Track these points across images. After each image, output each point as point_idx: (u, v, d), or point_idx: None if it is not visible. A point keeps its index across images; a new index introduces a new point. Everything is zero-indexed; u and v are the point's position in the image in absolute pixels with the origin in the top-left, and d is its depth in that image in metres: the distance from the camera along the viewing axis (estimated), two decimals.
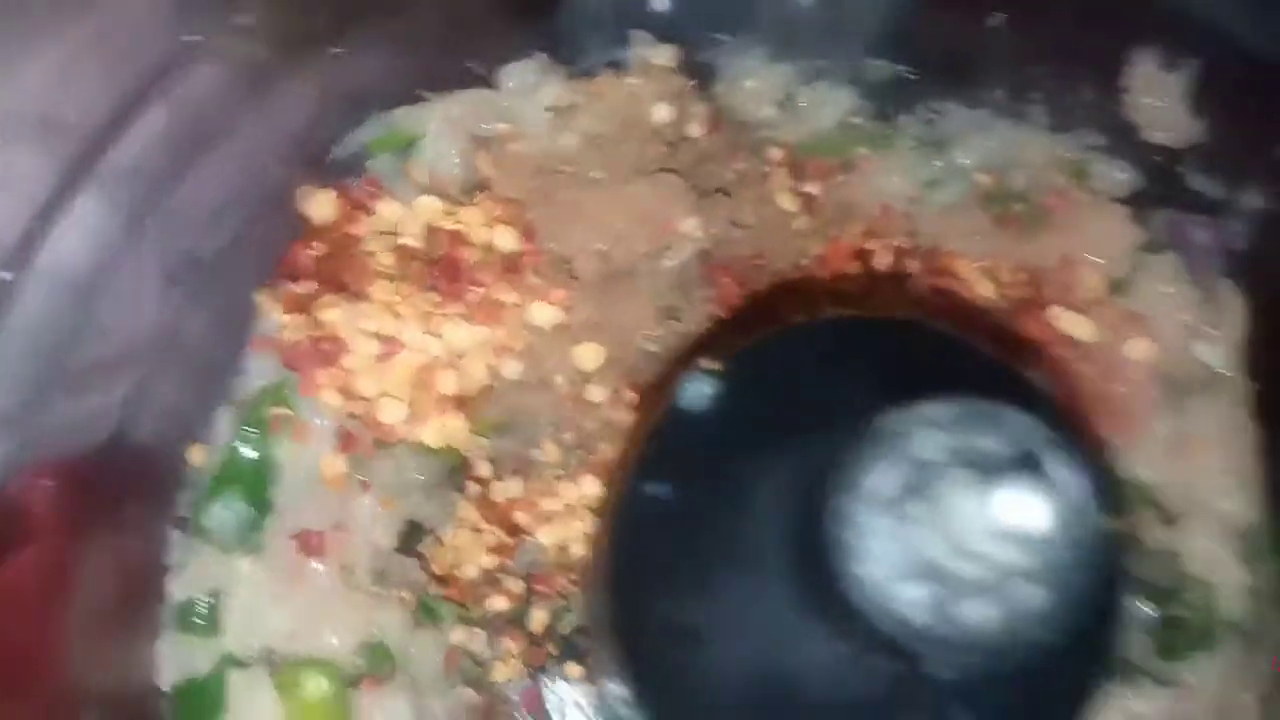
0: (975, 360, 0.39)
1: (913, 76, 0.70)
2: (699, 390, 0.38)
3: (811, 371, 0.38)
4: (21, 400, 0.49)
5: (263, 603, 0.57)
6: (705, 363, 0.39)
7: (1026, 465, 0.27)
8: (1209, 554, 0.61)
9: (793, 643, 0.33)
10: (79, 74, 0.50)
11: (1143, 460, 0.63)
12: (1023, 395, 0.37)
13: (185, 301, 0.59)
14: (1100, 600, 0.35)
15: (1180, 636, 0.59)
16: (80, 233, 0.50)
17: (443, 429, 0.56)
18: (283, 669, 0.54)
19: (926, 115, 0.71)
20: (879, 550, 0.28)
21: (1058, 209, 0.64)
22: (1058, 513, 0.27)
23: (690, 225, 0.57)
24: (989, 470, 0.28)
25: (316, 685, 0.53)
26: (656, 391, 0.54)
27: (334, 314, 0.54)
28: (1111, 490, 0.29)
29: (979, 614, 0.28)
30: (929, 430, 0.29)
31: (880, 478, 0.29)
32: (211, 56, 0.54)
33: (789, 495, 0.34)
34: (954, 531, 0.28)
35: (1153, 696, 0.58)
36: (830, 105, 0.72)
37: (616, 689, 0.39)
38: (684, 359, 0.59)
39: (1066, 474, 0.27)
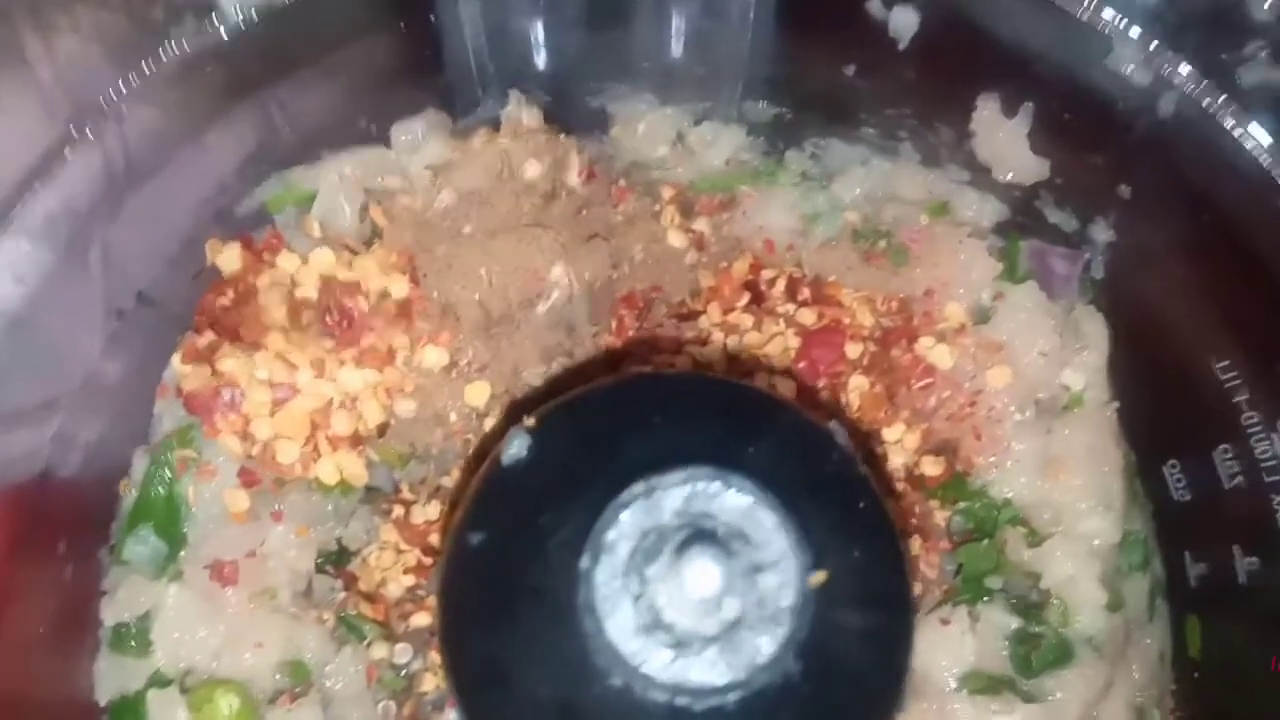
0: (764, 409, 0.43)
1: (790, 116, 0.74)
2: (515, 446, 0.43)
3: (614, 426, 0.43)
4: None
5: (189, 624, 0.62)
6: (524, 420, 0.44)
7: (742, 526, 0.32)
8: (1067, 574, 0.65)
9: (582, 679, 0.38)
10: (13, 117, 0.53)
11: (1010, 482, 0.67)
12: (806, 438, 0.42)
13: (109, 345, 0.63)
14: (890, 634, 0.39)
15: (1038, 651, 0.64)
16: (9, 273, 0.54)
17: (337, 466, 0.61)
18: (197, 688, 0.59)
19: (811, 150, 0.76)
20: (621, 608, 0.33)
21: (916, 245, 0.68)
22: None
23: (557, 273, 0.61)
24: (708, 534, 0.33)
25: (228, 704, 0.58)
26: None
27: (231, 364, 0.59)
28: (817, 545, 0.33)
29: (702, 659, 0.33)
30: (664, 498, 0.34)
31: (625, 542, 0.33)
32: (130, 112, 0.58)
33: (575, 542, 0.39)
34: (682, 590, 0.32)
35: (1021, 712, 0.62)
36: (720, 144, 0.76)
37: (450, 715, 0.44)
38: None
39: (777, 535, 0.32)
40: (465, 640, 0.42)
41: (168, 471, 0.60)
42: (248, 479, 0.60)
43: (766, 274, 0.73)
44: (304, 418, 0.60)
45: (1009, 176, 0.67)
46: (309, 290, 0.63)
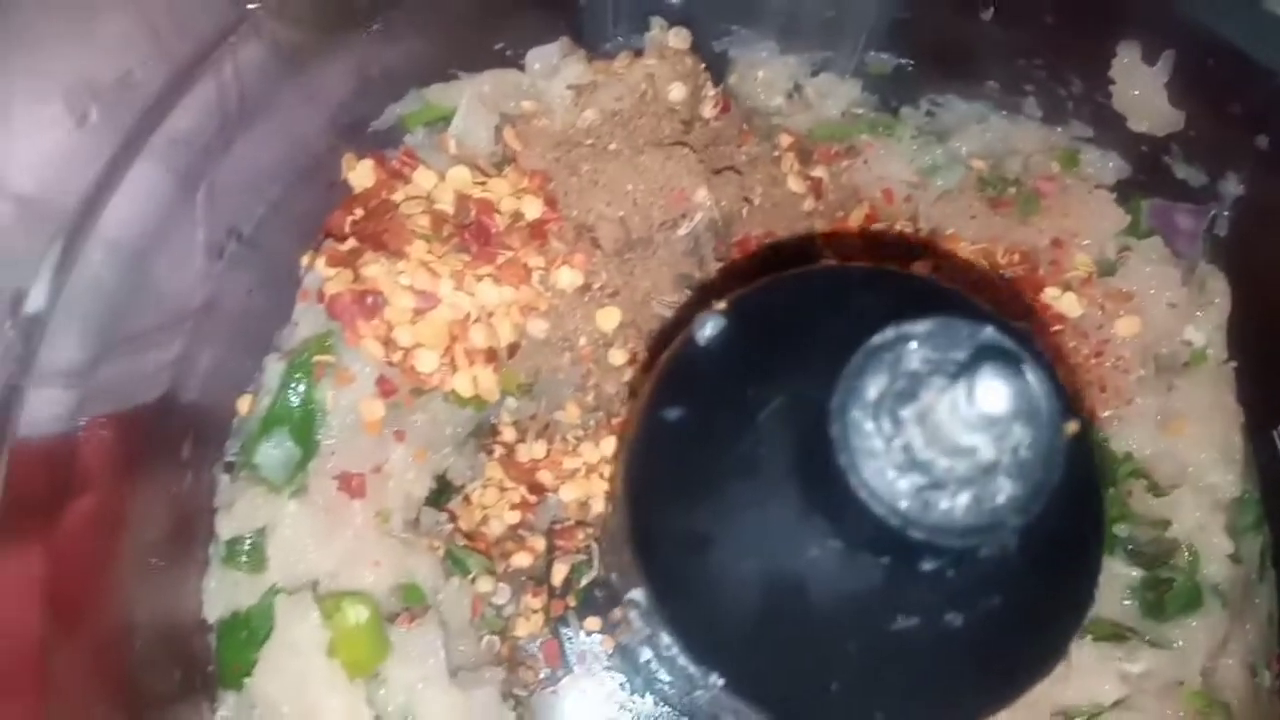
0: (957, 304, 0.43)
1: (912, 69, 0.74)
2: (710, 326, 0.42)
3: (809, 310, 0.42)
4: (83, 358, 0.53)
5: (305, 541, 0.61)
6: (716, 304, 0.44)
7: (996, 369, 0.32)
8: (1196, 523, 0.65)
9: (793, 543, 0.37)
10: (135, 48, 0.53)
11: (1133, 434, 0.67)
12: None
13: (233, 265, 0.63)
14: (1075, 509, 0.39)
15: (1167, 597, 0.63)
16: (136, 198, 0.53)
17: (474, 380, 0.61)
18: (324, 599, 0.58)
19: (927, 107, 0.76)
20: (872, 445, 0.33)
21: (1049, 193, 0.68)
22: (1023, 408, 0.31)
23: (702, 195, 0.61)
24: (964, 376, 0.32)
25: (357, 613, 0.57)
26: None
27: (375, 269, 0.58)
28: (1067, 400, 0.33)
29: (958, 502, 0.32)
30: (912, 344, 0.34)
31: (874, 386, 0.33)
32: (257, 34, 0.58)
33: (789, 412, 0.39)
34: (936, 429, 0.32)
35: (1144, 658, 0.62)
36: (835, 96, 0.76)
37: (637, 595, 0.43)
38: None
39: (1009, 383, 0.31)
40: (660, 516, 0.41)
41: (305, 377, 0.59)
42: (385, 388, 0.60)
43: (878, 227, 0.74)
44: (444, 328, 0.59)
45: (1144, 127, 0.67)
46: (445, 205, 0.63)
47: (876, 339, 0.34)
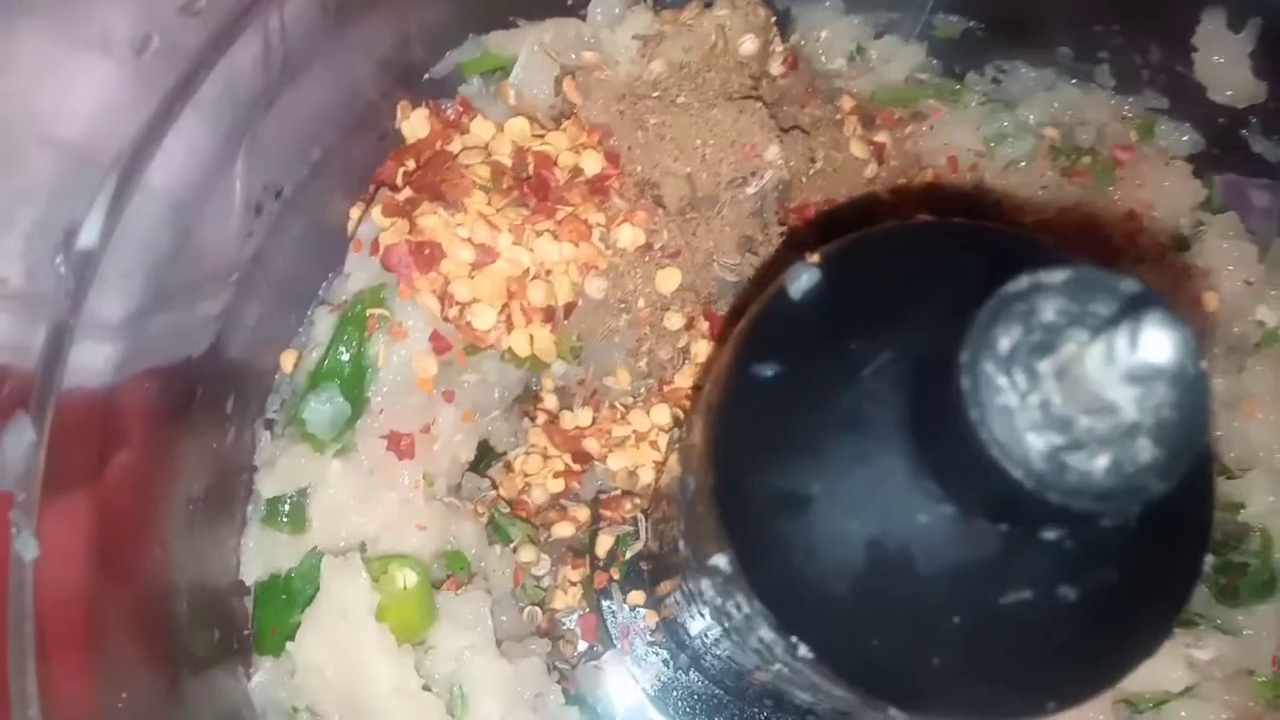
0: (1055, 256, 0.41)
1: (981, 33, 0.72)
2: (804, 279, 0.40)
3: (908, 264, 0.40)
4: (129, 312, 0.51)
5: (349, 502, 0.59)
6: (808, 256, 0.41)
7: (1138, 324, 0.29)
8: (1269, 507, 0.63)
9: (900, 506, 0.35)
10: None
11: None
12: None
13: (279, 218, 0.61)
14: (1199, 478, 0.37)
15: (1241, 582, 0.61)
16: (181, 151, 0.51)
17: (530, 339, 0.58)
18: (373, 561, 0.56)
19: (993, 74, 0.73)
20: (1005, 401, 0.30)
21: (1126, 162, 0.66)
22: (1175, 340, 0.29)
23: (773, 153, 0.59)
24: (1106, 330, 0.30)
25: (406, 577, 0.55)
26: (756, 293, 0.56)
27: (433, 220, 0.56)
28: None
29: (1097, 463, 0.30)
30: (1048, 295, 0.31)
31: (1006, 337, 0.31)
32: None
33: (898, 368, 0.36)
34: (1078, 385, 0.30)
35: (1213, 645, 0.60)
36: (899, 60, 0.74)
37: (719, 562, 0.41)
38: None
39: (1174, 331, 0.29)
40: (753, 477, 0.39)
41: (357, 331, 0.57)
42: (439, 345, 0.57)
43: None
44: (502, 283, 0.57)
45: (1224, 98, 0.64)
46: (503, 157, 0.61)
47: (1009, 287, 0.32)
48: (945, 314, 0.35)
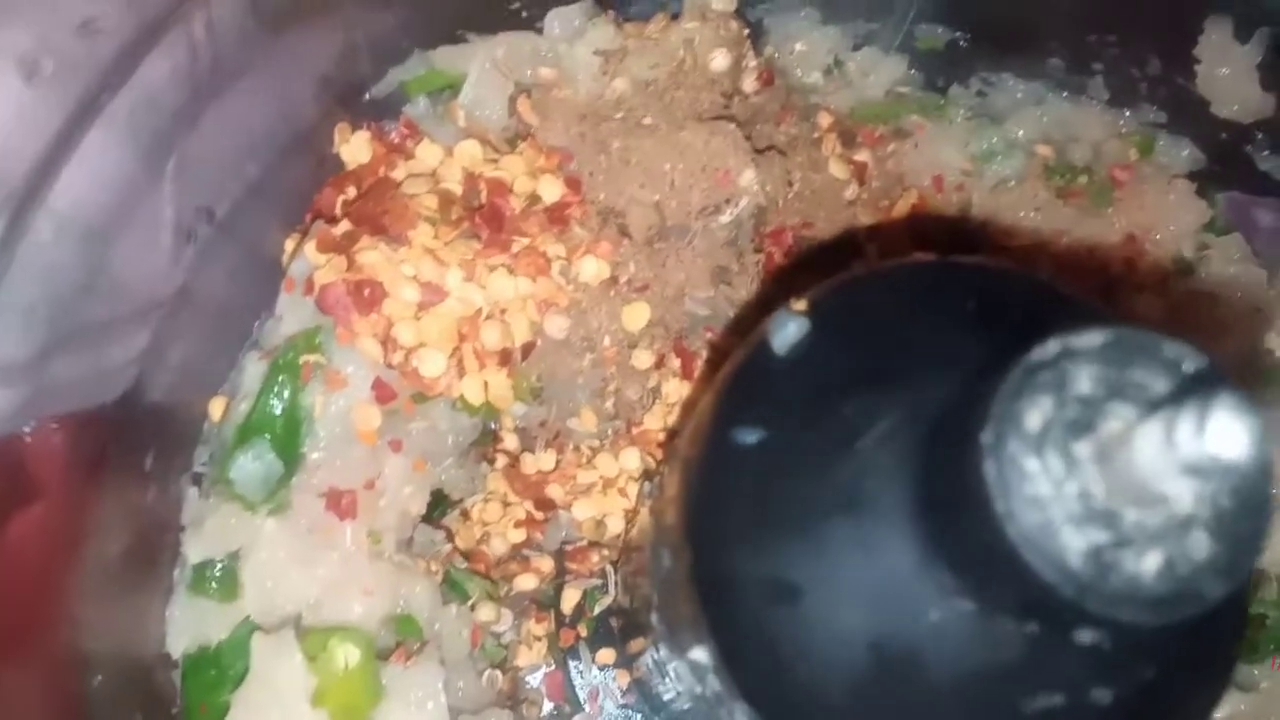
0: (1071, 303, 0.37)
1: (966, 44, 0.67)
2: (789, 331, 0.35)
3: (905, 312, 0.35)
4: (33, 350, 0.45)
5: (285, 566, 0.53)
6: (793, 304, 0.36)
7: (1192, 397, 0.25)
8: None
9: (908, 599, 0.30)
10: (80, 19, 0.46)
11: None
12: None
13: (207, 249, 0.55)
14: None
15: (1260, 635, 0.57)
16: (92, 171, 0.46)
17: (484, 385, 0.53)
18: (310, 635, 0.50)
19: (978, 87, 0.69)
20: (1037, 492, 0.26)
21: (1125, 182, 0.62)
22: (1250, 431, 0.24)
23: (749, 178, 0.54)
24: (1155, 404, 0.26)
25: (347, 653, 0.49)
26: (732, 341, 0.51)
27: (373, 256, 0.51)
28: None
29: (1147, 564, 0.25)
30: (1082, 361, 0.27)
31: (1036, 413, 0.26)
32: None
33: (902, 438, 0.31)
34: (1126, 472, 0.25)
35: (1229, 701, 0.55)
36: (879, 74, 0.69)
37: (699, 656, 0.35)
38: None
39: (1246, 419, 0.24)
40: (735, 560, 0.34)
41: (290, 379, 0.51)
42: (382, 393, 0.52)
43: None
44: (452, 325, 0.52)
45: (1229, 112, 0.60)
46: (453, 185, 0.55)
47: (1037, 354, 0.27)
48: (956, 375, 0.31)
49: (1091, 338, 0.27)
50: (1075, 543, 0.26)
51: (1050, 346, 0.27)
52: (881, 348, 0.35)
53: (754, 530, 0.34)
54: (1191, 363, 0.26)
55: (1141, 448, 0.25)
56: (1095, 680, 0.30)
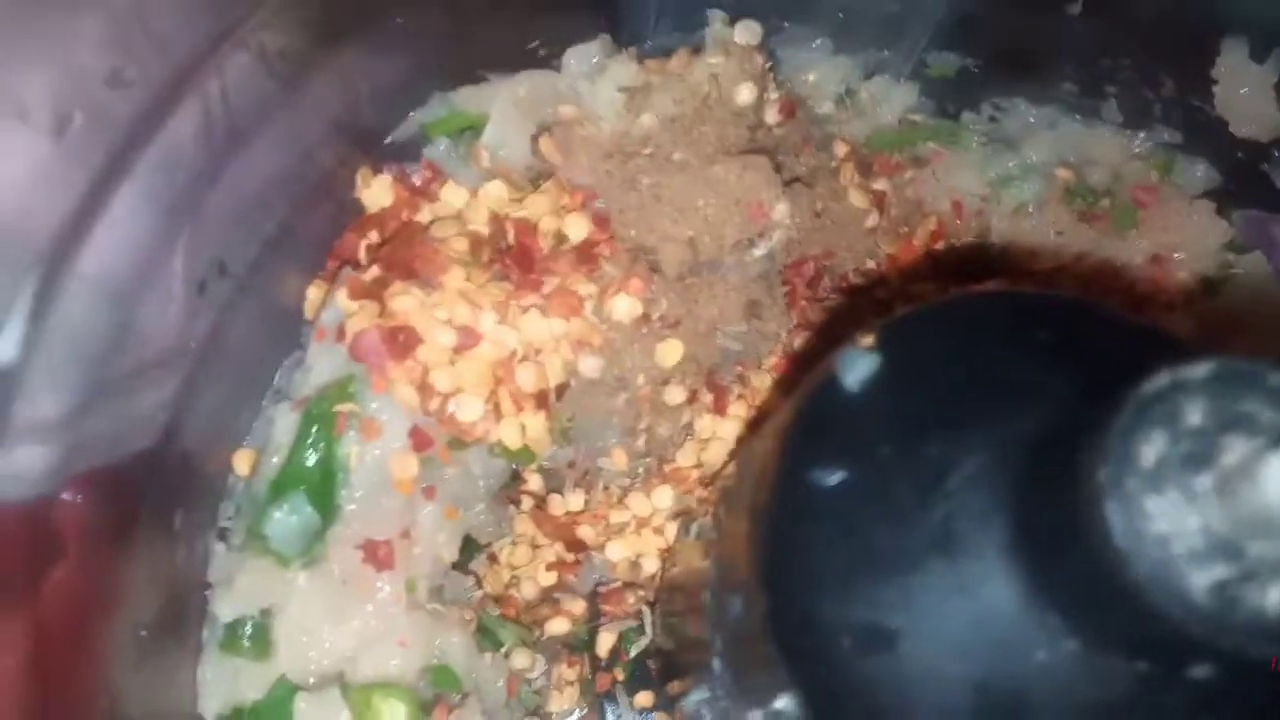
0: (1136, 331, 0.36)
1: (978, 70, 0.68)
2: (861, 366, 0.35)
3: (978, 344, 0.35)
4: (63, 410, 0.45)
5: (319, 621, 0.52)
6: (860, 339, 0.36)
7: None
8: None
9: (1011, 641, 0.29)
10: (108, 70, 0.45)
11: None
12: None
13: (228, 300, 0.54)
14: None
15: None
16: (116, 234, 0.46)
17: (522, 428, 0.52)
18: (353, 693, 0.49)
19: (990, 113, 0.69)
20: (1158, 529, 0.25)
21: (1148, 203, 0.62)
22: None
23: (782, 211, 0.53)
24: (1271, 435, 0.25)
25: (391, 711, 0.48)
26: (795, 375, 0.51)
27: (407, 301, 0.50)
28: None
29: (1271, 595, 0.25)
30: (1191, 394, 0.26)
31: (1150, 449, 0.26)
32: (247, 44, 0.50)
33: (994, 475, 0.31)
34: (1248, 504, 0.24)
35: None
36: (890, 102, 0.69)
37: (783, 705, 0.34)
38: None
39: None
40: (822, 606, 0.33)
41: (324, 430, 0.50)
42: (420, 441, 0.51)
43: (943, 244, 0.67)
44: (488, 369, 0.51)
45: (1247, 131, 0.60)
46: (480, 226, 0.54)
47: (1147, 388, 0.26)
48: (1044, 410, 0.30)
49: (1199, 369, 0.27)
50: (1200, 579, 0.25)
51: (1160, 379, 0.26)
52: (957, 382, 0.34)
53: (840, 575, 0.33)
54: (1246, 405, 0.26)
55: (1268, 478, 0.24)
56: (1205, 713, 0.30)
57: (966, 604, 0.31)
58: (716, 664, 0.43)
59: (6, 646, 0.44)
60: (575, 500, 0.62)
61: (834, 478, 0.33)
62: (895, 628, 0.31)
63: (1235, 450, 0.25)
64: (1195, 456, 0.26)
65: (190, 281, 0.52)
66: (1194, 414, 0.26)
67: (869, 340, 0.36)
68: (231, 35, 0.50)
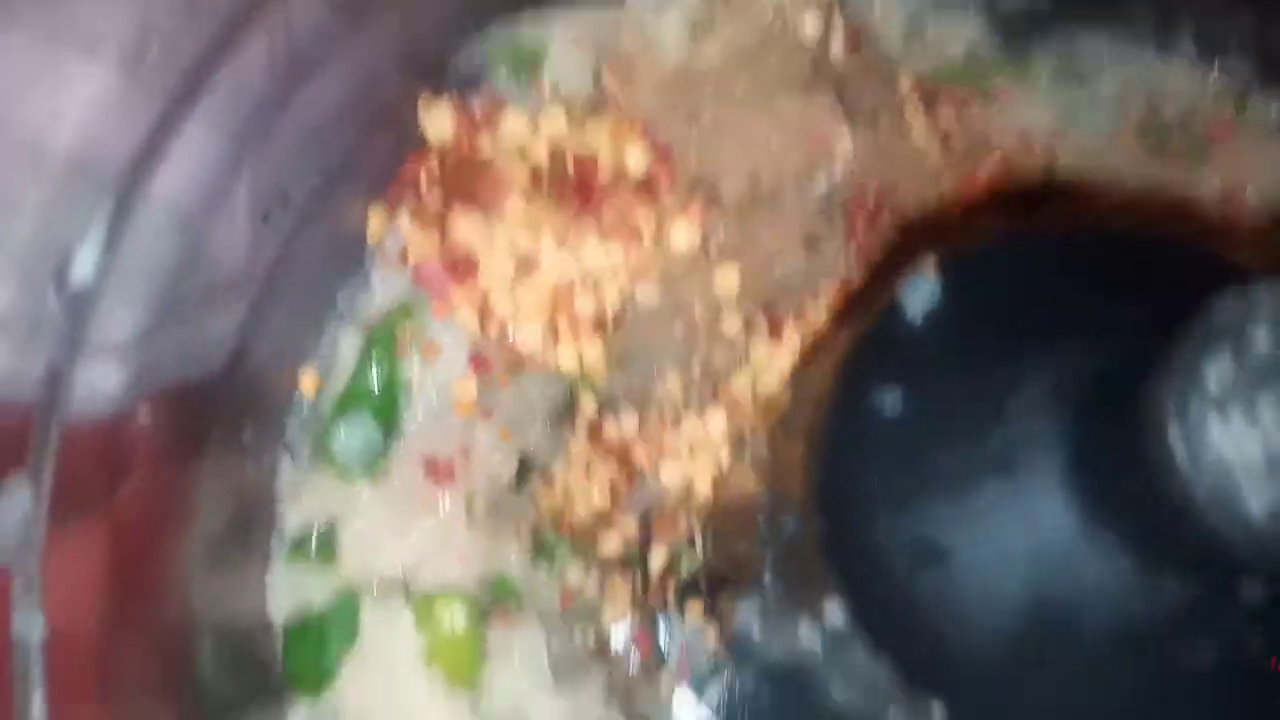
0: (1211, 264, 0.36)
1: (1048, 3, 0.66)
2: (923, 295, 0.35)
3: (1042, 276, 0.35)
4: (135, 330, 0.47)
5: (381, 532, 0.54)
6: (921, 267, 0.36)
7: None
8: None
9: (1065, 559, 0.30)
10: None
11: None
12: None
13: (295, 225, 0.55)
14: None
15: None
16: (185, 159, 0.47)
17: (579, 354, 0.53)
18: (416, 600, 0.51)
19: (1060, 47, 0.68)
20: (1224, 452, 0.25)
21: (1221, 139, 0.61)
22: None
23: (845, 145, 0.53)
24: None
25: (449, 617, 0.50)
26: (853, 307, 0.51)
27: (468, 228, 0.50)
28: None
29: None
30: (1260, 320, 0.26)
31: (1220, 373, 0.26)
32: None
33: (1052, 400, 0.31)
34: None
35: None
36: (957, 35, 0.68)
37: (830, 613, 0.36)
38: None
39: None
40: (878, 525, 0.34)
41: (387, 351, 0.51)
42: (479, 364, 0.52)
43: (1009, 180, 0.66)
44: (547, 294, 0.52)
45: None
46: (540, 155, 0.55)
47: (1216, 314, 0.26)
48: (1108, 337, 0.30)
49: (1268, 295, 0.27)
50: (1258, 501, 0.25)
51: (1227, 305, 0.27)
52: (1019, 312, 0.34)
53: (897, 497, 0.34)
54: None
55: None
56: (1255, 632, 0.30)
57: (1022, 522, 0.31)
58: (768, 578, 0.44)
59: (86, 554, 0.45)
60: (630, 424, 0.63)
61: (892, 402, 0.34)
62: (950, 545, 0.32)
63: None
64: (1260, 381, 0.26)
65: (255, 211, 0.54)
66: (1261, 341, 0.26)
67: (932, 270, 0.36)
68: None
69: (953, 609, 0.32)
